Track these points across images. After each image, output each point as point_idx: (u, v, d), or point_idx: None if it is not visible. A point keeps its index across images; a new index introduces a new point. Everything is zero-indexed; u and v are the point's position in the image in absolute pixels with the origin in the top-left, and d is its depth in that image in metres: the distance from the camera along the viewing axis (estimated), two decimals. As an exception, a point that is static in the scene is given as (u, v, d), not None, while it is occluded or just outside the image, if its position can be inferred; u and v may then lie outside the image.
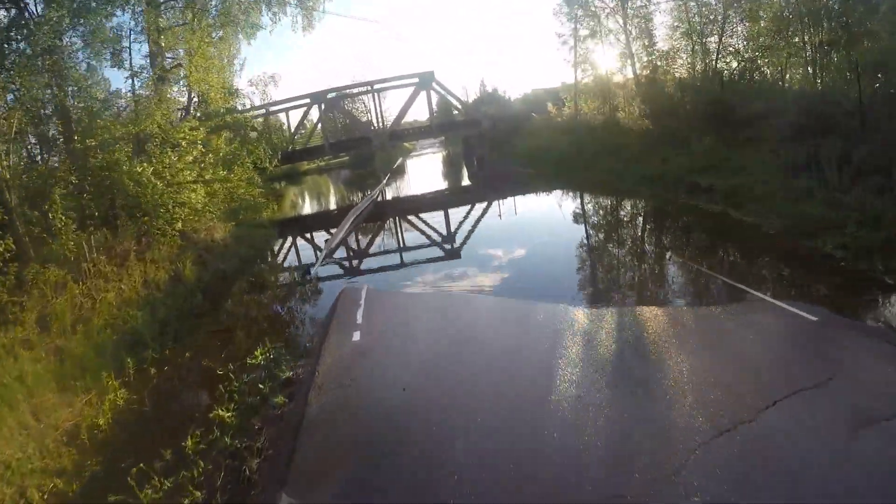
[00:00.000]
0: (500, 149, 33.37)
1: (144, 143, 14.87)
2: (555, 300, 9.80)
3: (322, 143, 34.89)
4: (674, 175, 17.95)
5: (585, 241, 15.23)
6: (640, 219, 17.78)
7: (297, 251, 20.05)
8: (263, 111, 32.60)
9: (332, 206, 35.42)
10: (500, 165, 32.18)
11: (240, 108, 21.73)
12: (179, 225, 13.52)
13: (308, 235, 22.84)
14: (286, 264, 18.00)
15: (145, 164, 13.20)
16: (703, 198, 15.86)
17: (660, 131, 20.47)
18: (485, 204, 23.75)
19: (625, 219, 18.23)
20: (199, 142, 15.08)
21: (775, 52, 21.07)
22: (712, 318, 8.53)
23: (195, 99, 21.24)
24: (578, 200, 21.71)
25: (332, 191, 47.37)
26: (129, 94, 16.78)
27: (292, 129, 35.73)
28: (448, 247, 17.05)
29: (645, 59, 26.24)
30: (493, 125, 33.78)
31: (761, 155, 15.64)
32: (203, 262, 14.09)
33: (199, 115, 20.12)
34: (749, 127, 17.23)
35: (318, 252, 16.79)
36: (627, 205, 19.43)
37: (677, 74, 24.40)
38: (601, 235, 16.10)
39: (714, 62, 22.92)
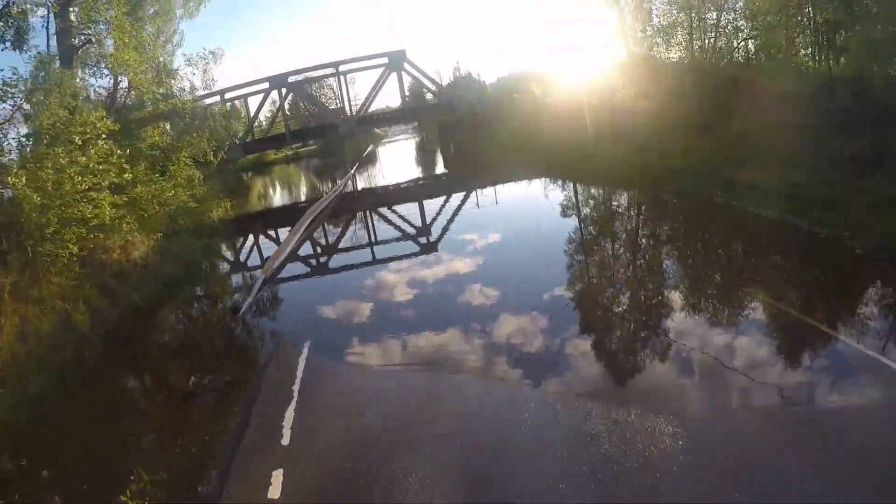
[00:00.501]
0: (478, 134, 30.55)
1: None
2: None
3: (284, 132, 31.09)
4: (701, 166, 14.74)
5: (603, 265, 11.61)
6: (676, 228, 13.76)
7: (240, 265, 17.18)
8: (218, 98, 29.03)
9: (297, 198, 32.80)
10: (479, 152, 29.15)
11: (185, 94, 18.17)
12: (75, 248, 10.19)
13: (267, 234, 20.75)
14: (225, 282, 15.09)
15: (16, 171, 9.87)
16: (749, 199, 12.39)
17: (670, 114, 17.44)
18: (463, 194, 21.75)
19: (654, 229, 13.98)
20: (103, 136, 11.66)
21: (777, 31, 18.40)
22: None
23: (123, 85, 17.71)
24: (581, 198, 18.60)
25: (298, 181, 45.12)
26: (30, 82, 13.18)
27: (251, 116, 32.14)
28: (423, 240, 15.88)
29: (639, 34, 23.29)
30: (471, 109, 30.53)
31: (803, 145, 12.78)
32: (111, 293, 10.86)
33: (126, 102, 16.71)
34: (778, 111, 14.36)
35: (263, 267, 13.73)
36: (651, 206, 15.62)
37: (674, 54, 21.79)
38: (626, 253, 12.31)
39: (713, 40, 20.69)
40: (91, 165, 10.99)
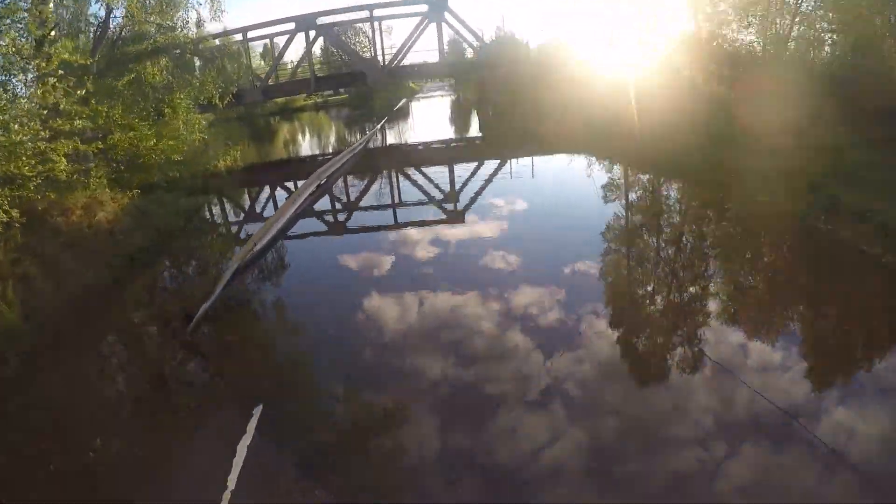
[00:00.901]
0: (519, 99, 27.90)
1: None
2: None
3: (308, 77, 28.46)
4: (795, 177, 11.37)
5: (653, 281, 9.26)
6: (773, 264, 9.89)
7: (228, 233, 14.93)
8: (239, 36, 26.59)
9: (323, 147, 31.36)
10: (518, 118, 26.38)
11: (189, 27, 15.84)
12: (15, 212, 8.09)
13: (276, 191, 18.94)
14: (197, 259, 12.56)
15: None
16: (863, 236, 9.06)
17: (746, 107, 14.53)
18: (497, 162, 19.85)
19: (740, 253, 10.24)
20: (60, 72, 9.41)
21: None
22: None
23: (117, 17, 15.36)
24: (631, 186, 15.78)
25: (325, 130, 43.80)
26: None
27: (275, 58, 29.71)
28: (450, 207, 14.66)
29: (709, 10, 20.13)
30: (513, 71, 27.64)
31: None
32: (58, 271, 8.76)
33: (122, 34, 14.51)
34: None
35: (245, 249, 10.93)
36: (733, 222, 11.99)
37: (747, 36, 19.41)
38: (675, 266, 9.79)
39: (791, 26, 18.17)
40: (33, 108, 8.80)
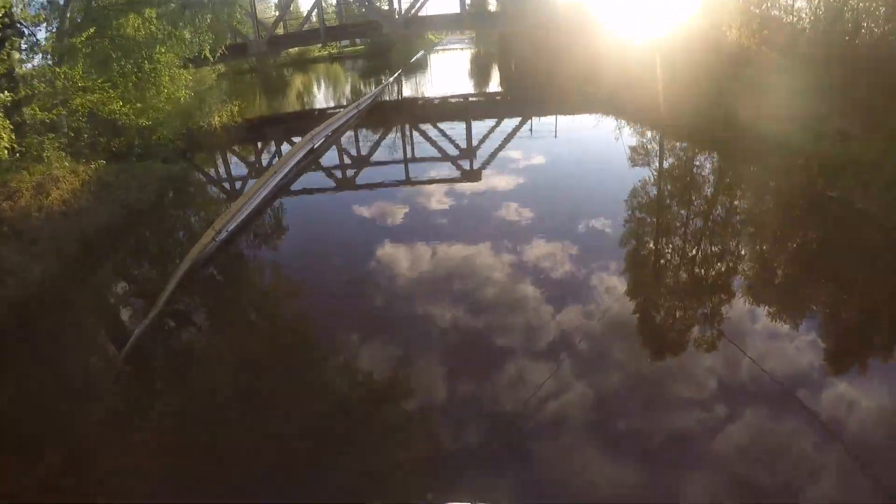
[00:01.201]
0: (544, 55, 26.37)
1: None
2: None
3: (318, 27, 26.99)
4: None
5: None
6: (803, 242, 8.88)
7: (208, 205, 13.00)
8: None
9: (336, 100, 29.83)
10: (543, 75, 24.98)
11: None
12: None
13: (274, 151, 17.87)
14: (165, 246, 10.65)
15: None
16: None
17: (804, 75, 12.84)
18: (518, 119, 18.66)
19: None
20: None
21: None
22: None
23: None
24: (668, 155, 14.34)
25: (338, 82, 42.09)
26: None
27: (283, 6, 28.28)
28: (466, 165, 13.85)
29: None
30: (540, 25, 26.00)
31: None
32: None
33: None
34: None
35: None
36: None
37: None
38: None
39: None
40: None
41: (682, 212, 10.26)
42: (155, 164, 12.79)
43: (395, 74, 32.43)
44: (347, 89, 35.53)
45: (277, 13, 34.87)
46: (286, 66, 53.43)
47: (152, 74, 12.56)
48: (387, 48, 51.42)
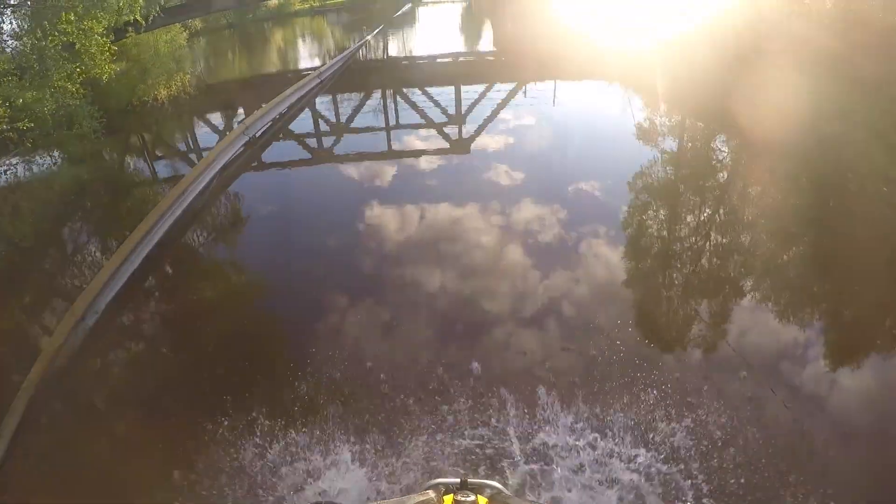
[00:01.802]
0: (546, 10, 23.62)
1: None
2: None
3: None
4: None
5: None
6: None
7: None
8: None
9: (314, 56, 28.22)
10: (544, 33, 21.85)
11: None
12: None
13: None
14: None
15: None
16: None
17: None
18: (512, 85, 16.36)
19: None
20: None
21: None
22: None
23: None
24: (684, 134, 12.27)
25: (318, 37, 40.96)
26: None
27: None
28: (454, 135, 12.59)
29: None
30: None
31: None
32: None
33: None
34: None
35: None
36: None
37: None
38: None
39: None
40: None
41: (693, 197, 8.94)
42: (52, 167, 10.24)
43: (373, 32, 29.04)
44: (325, 46, 32.81)
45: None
46: (266, 21, 50.95)
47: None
48: (371, 0, 48.36)
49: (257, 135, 12.38)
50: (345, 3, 57.09)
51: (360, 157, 11.65)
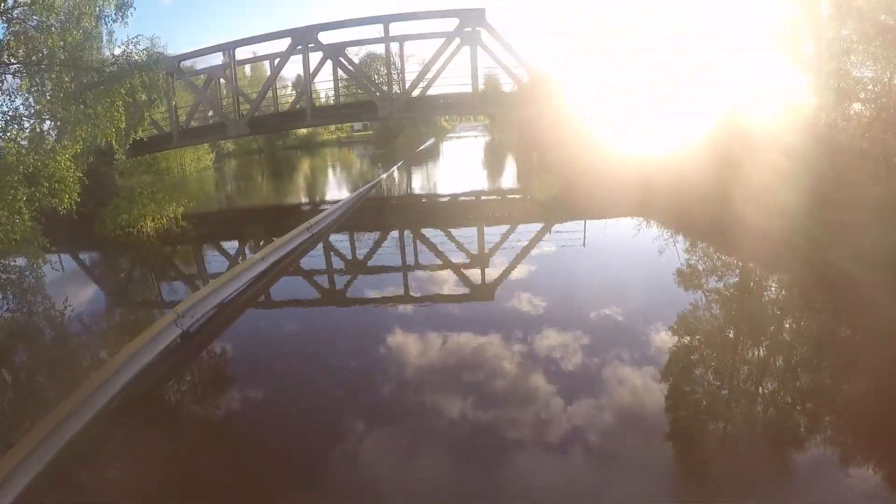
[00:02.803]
0: (573, 146, 22.82)
1: None
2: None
3: (305, 108, 23.58)
4: None
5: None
6: None
7: None
8: (220, 57, 22.71)
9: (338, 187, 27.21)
10: (571, 171, 21.32)
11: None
12: None
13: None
14: None
15: None
16: None
17: None
18: (539, 227, 15.65)
19: None
20: None
21: None
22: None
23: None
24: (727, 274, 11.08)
25: (344, 169, 39.73)
26: None
27: (267, 82, 25.25)
28: (476, 280, 11.50)
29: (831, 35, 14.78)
30: (567, 111, 22.54)
31: None
32: None
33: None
34: None
35: None
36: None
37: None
38: None
39: None
40: None
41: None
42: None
43: (390, 170, 28.86)
44: (344, 179, 32.62)
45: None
46: (295, 148, 53.09)
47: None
48: (395, 134, 49.86)
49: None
50: (371, 136, 59.53)
51: (374, 301, 10.51)
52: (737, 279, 10.74)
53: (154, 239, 15.08)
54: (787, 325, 8.71)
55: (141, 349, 7.02)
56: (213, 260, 15.07)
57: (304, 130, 55.35)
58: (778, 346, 7.82)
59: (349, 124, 63.02)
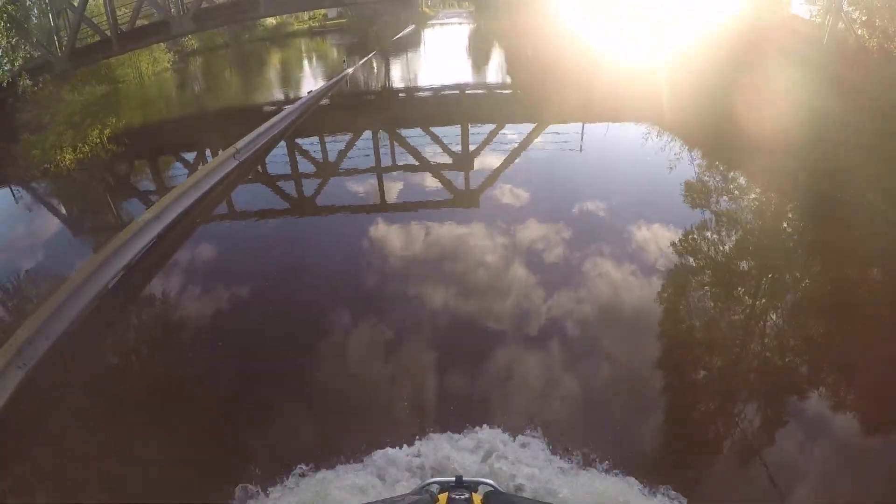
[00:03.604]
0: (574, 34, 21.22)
1: None
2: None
3: None
4: None
5: None
6: None
7: None
8: None
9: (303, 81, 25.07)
10: (570, 63, 19.67)
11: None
12: None
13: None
14: None
15: None
16: None
17: None
18: (531, 127, 14.22)
19: None
20: None
21: None
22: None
23: None
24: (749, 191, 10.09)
25: (314, 60, 38.43)
26: None
27: None
28: (460, 185, 10.58)
29: None
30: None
31: None
32: None
33: None
34: None
35: None
36: None
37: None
38: None
39: None
40: None
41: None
42: None
43: (360, 62, 26.54)
44: (313, 71, 30.40)
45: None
46: (263, 40, 50.44)
47: None
48: (371, 22, 47.09)
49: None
50: (345, 25, 56.04)
51: (345, 209, 9.86)
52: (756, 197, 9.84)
53: (75, 172, 12.96)
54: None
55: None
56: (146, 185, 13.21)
57: (272, 20, 52.02)
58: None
59: (322, 12, 59.33)
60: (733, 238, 8.00)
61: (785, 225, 8.76)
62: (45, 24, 22.41)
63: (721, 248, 7.64)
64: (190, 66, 40.25)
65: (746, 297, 6.55)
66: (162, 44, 33.00)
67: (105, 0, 20.62)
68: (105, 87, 29.03)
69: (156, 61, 34.88)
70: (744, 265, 7.41)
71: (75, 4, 20.15)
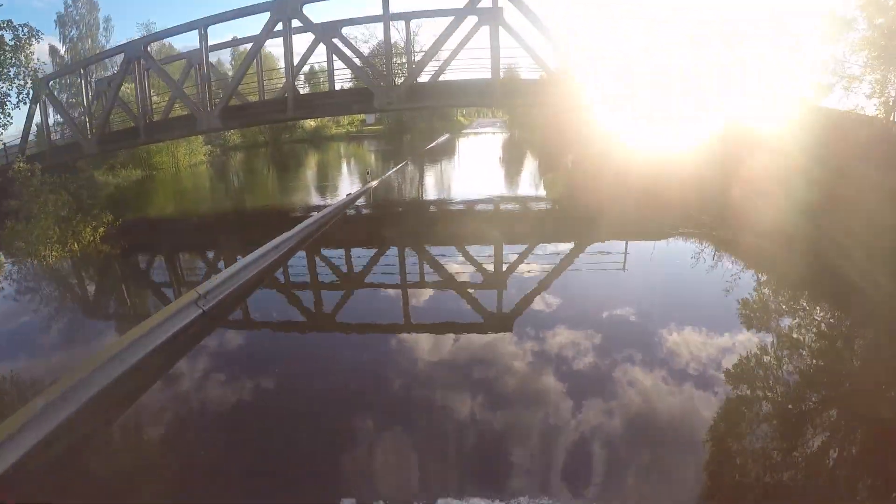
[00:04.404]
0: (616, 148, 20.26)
1: None
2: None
3: (286, 97, 20.42)
4: None
5: None
6: None
7: None
8: (196, 39, 20.07)
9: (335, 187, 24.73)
10: (614, 177, 18.72)
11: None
12: None
13: None
14: None
15: None
16: None
17: None
18: (570, 246, 13.24)
19: None
20: None
21: None
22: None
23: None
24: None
25: (351, 164, 37.59)
26: None
27: (239, 66, 22.88)
28: (492, 308, 9.44)
29: None
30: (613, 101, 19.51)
31: None
32: None
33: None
34: None
35: None
36: None
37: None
38: None
39: None
40: None
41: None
42: None
43: (387, 173, 25.70)
44: (353, 177, 29.85)
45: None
46: (303, 142, 52.02)
47: None
48: (407, 129, 47.95)
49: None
50: (382, 131, 57.60)
51: (365, 328, 8.91)
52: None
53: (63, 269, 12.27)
54: None
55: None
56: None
57: (312, 123, 53.96)
58: None
59: (360, 118, 61.16)
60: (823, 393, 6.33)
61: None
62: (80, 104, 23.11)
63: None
64: (228, 160, 41.16)
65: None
66: (199, 136, 34.06)
67: (137, 89, 20.88)
68: (141, 172, 29.83)
69: (193, 153, 35.72)
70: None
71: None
